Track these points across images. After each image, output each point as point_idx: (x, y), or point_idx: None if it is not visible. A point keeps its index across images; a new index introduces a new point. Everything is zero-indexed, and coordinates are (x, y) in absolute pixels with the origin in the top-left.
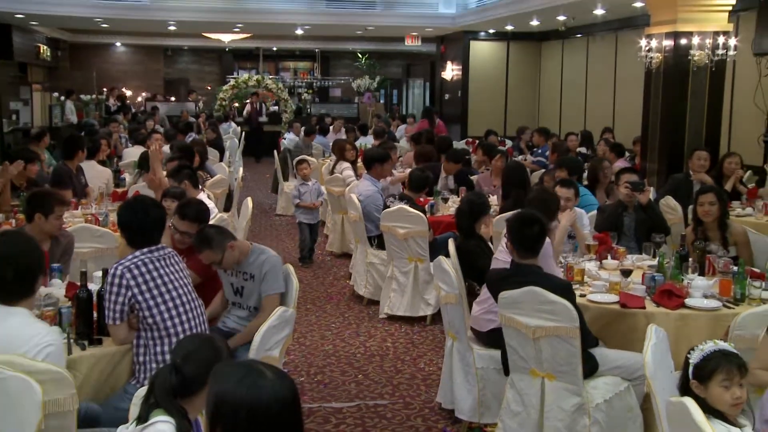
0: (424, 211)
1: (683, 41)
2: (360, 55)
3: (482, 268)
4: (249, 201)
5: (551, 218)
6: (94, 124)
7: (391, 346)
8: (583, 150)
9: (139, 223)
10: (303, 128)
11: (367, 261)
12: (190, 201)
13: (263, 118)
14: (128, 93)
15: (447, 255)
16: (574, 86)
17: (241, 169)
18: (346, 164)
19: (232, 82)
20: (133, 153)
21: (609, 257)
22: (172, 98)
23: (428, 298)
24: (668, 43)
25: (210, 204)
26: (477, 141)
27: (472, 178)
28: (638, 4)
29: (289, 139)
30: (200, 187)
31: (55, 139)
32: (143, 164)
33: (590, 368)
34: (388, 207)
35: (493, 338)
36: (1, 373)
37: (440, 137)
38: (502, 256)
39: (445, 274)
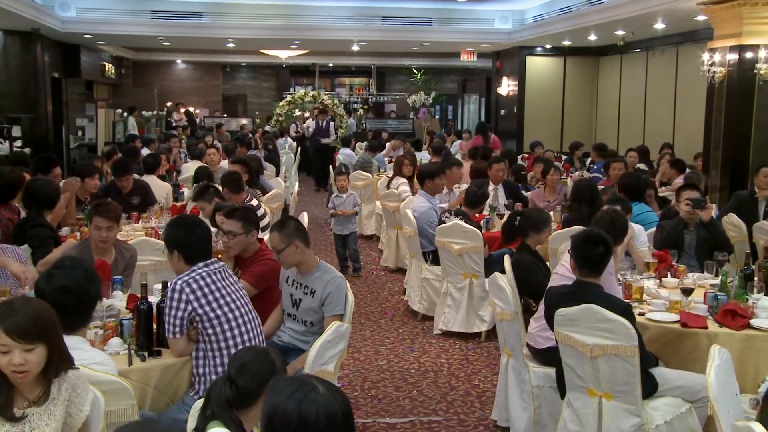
0: (479, 227)
1: (749, 54)
2: (415, 71)
3: (538, 285)
4: (305, 215)
5: (618, 241)
6: (153, 139)
7: (445, 362)
8: (642, 166)
9: (196, 239)
10: (365, 144)
11: (421, 276)
12: (239, 206)
13: (329, 139)
14: (194, 111)
15: (502, 271)
16: (632, 101)
17: (296, 184)
18: (403, 180)
19: (288, 97)
20: (191, 168)
21: (669, 275)
22: (225, 115)
23: (483, 315)
24: (732, 56)
25: (260, 210)
26: (534, 156)
27: (526, 194)
28: (701, 18)
29: (345, 154)
30: (254, 197)
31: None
32: (199, 179)
33: (650, 388)
34: (444, 222)
35: (549, 356)
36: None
37: (505, 152)
38: (562, 271)
39: (500, 291)
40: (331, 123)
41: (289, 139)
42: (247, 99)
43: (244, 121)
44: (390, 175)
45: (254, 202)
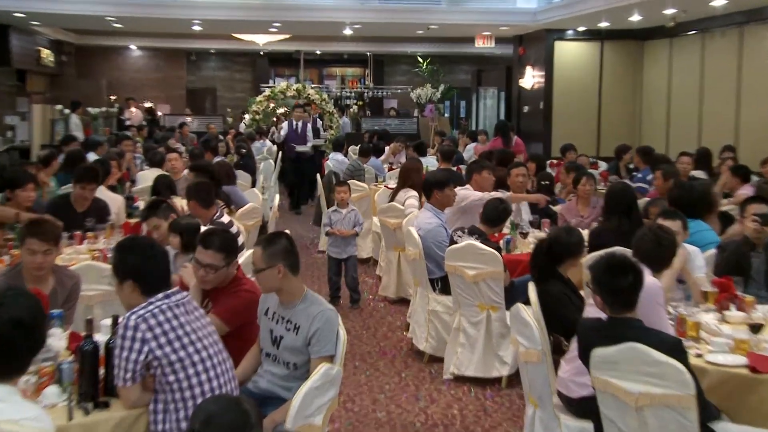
0: (498, 249)
1: None
2: (420, 60)
3: (570, 319)
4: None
5: (664, 265)
6: (100, 141)
7: (458, 414)
8: (699, 173)
9: (154, 265)
10: (358, 147)
11: (428, 308)
12: (215, 229)
13: (306, 147)
14: (149, 104)
15: (526, 302)
16: (685, 95)
17: (277, 197)
18: (413, 193)
19: (267, 92)
20: (148, 177)
21: (733, 308)
22: (189, 113)
23: (504, 355)
24: None
25: (234, 229)
26: (563, 163)
27: (555, 208)
28: None
29: (335, 160)
30: (222, 209)
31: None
32: (159, 190)
33: None
34: (455, 242)
35: (585, 407)
36: None
37: (530, 157)
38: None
39: (524, 326)
40: (317, 123)
41: (268, 142)
42: (217, 93)
43: (215, 120)
44: (390, 186)
45: (225, 219)
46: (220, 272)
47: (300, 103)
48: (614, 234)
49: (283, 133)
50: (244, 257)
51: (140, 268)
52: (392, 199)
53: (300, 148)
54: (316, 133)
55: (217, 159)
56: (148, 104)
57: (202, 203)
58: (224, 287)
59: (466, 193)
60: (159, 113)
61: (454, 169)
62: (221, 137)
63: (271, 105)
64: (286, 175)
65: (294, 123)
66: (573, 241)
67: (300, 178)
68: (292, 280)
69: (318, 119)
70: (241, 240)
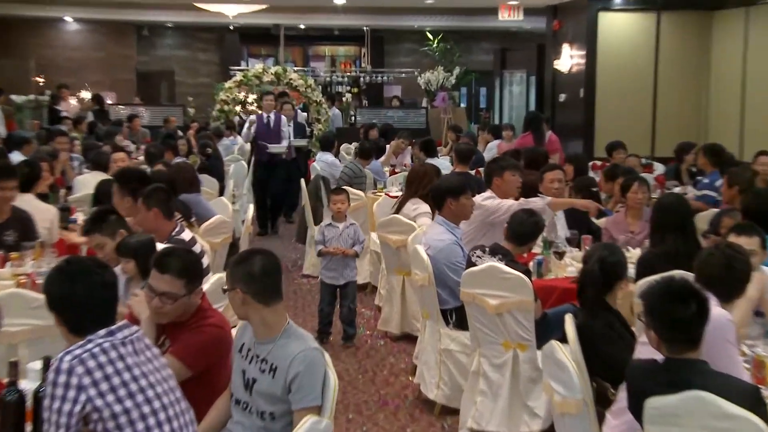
0: (528, 272)
1: None
2: (430, 36)
3: (618, 361)
4: None
5: (736, 293)
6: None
7: None
8: None
9: (87, 296)
10: (355, 147)
11: (440, 347)
12: (174, 248)
13: (281, 146)
14: (84, 94)
15: (563, 339)
16: (765, 80)
17: (251, 208)
18: (424, 207)
19: (238, 76)
20: (89, 182)
21: None
22: (140, 102)
23: (534, 406)
24: None
25: (197, 247)
26: (607, 164)
27: (598, 221)
28: None
29: (324, 162)
30: (181, 223)
31: None
32: (102, 199)
33: None
34: (474, 264)
35: None
36: None
37: (569, 157)
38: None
39: (560, 369)
40: (300, 116)
41: (239, 139)
42: (176, 78)
43: (173, 112)
44: (393, 194)
45: (186, 235)
46: (180, 302)
47: (279, 91)
48: (667, 260)
49: (252, 130)
50: (209, 283)
51: (68, 299)
52: (397, 211)
53: (273, 148)
54: (300, 130)
55: (176, 160)
56: (83, 93)
57: (167, 213)
58: (185, 321)
59: (493, 203)
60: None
61: (473, 172)
62: (181, 133)
63: (242, 94)
64: (255, 185)
65: (264, 116)
66: (616, 260)
67: (275, 188)
68: (261, 311)
69: (301, 111)
70: (205, 262)
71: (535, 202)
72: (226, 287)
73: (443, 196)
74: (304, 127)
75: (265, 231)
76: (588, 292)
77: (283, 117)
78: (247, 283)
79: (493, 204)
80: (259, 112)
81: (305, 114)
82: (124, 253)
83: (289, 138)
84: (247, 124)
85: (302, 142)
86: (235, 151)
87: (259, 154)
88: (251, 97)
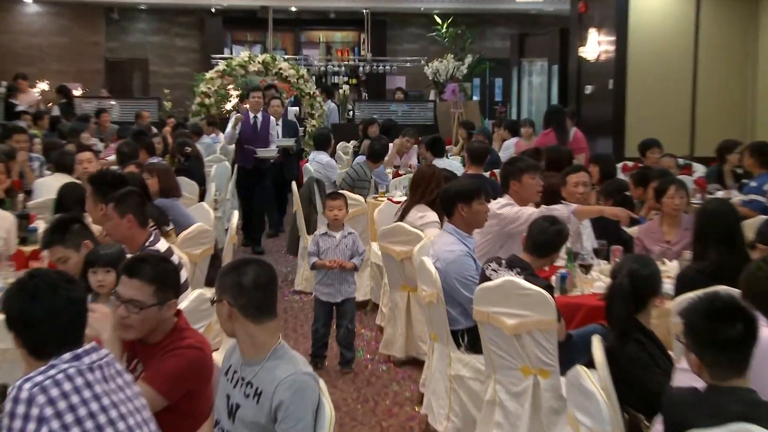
0: (550, 288)
1: None
2: (439, 20)
3: (653, 389)
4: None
5: None
6: None
7: None
8: None
9: (47, 316)
10: (354, 146)
11: (450, 373)
12: (147, 254)
13: (272, 151)
14: (43, 85)
15: (589, 364)
16: None
17: (236, 214)
18: (432, 216)
19: (221, 65)
20: (51, 185)
21: None
22: (109, 95)
23: None
24: None
25: (174, 259)
26: (640, 166)
27: (630, 230)
28: None
29: (318, 163)
30: (155, 232)
31: None
32: (66, 205)
33: None
34: (489, 279)
35: None
36: None
37: (595, 158)
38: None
39: (587, 398)
40: (290, 114)
41: (222, 137)
42: (150, 67)
43: (147, 106)
44: (396, 199)
45: (162, 246)
46: (148, 313)
47: (266, 83)
48: (711, 274)
49: (236, 128)
50: (188, 301)
51: (28, 318)
52: (401, 218)
53: (262, 152)
54: (290, 128)
55: (152, 160)
56: (43, 84)
57: (141, 221)
58: (159, 342)
59: (511, 211)
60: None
61: (487, 174)
62: (155, 130)
63: (221, 83)
64: (242, 194)
65: (251, 116)
66: (649, 273)
67: (262, 198)
68: (248, 328)
69: (292, 106)
70: (183, 275)
71: (559, 210)
72: (212, 298)
73: (453, 201)
74: (295, 125)
75: (257, 246)
76: (617, 310)
77: (272, 118)
78: (235, 295)
79: (510, 212)
80: (244, 107)
81: (296, 108)
82: (106, 263)
83: (277, 140)
84: (231, 122)
85: (288, 142)
86: (218, 150)
87: (244, 160)
88: (233, 93)
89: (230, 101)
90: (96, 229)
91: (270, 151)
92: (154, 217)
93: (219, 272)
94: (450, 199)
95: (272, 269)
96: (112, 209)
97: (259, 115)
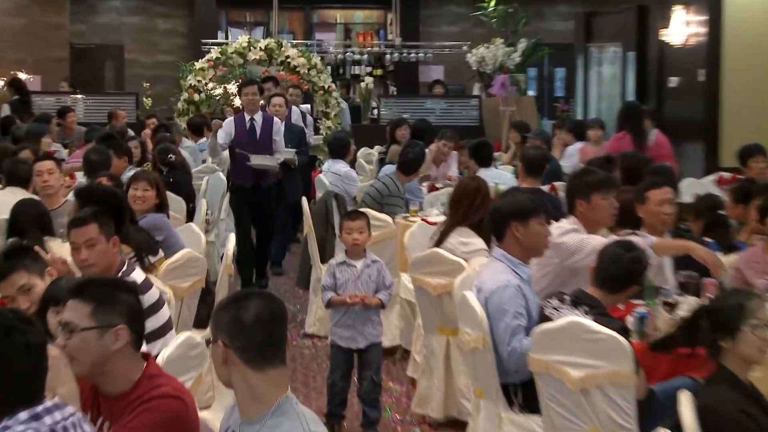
0: (625, 331)
1: None
2: None
3: None
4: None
5: None
6: None
7: None
8: None
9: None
10: (379, 152)
11: None
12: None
13: (271, 162)
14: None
15: (676, 427)
16: None
17: (232, 238)
18: (477, 242)
19: (214, 53)
20: (2, 202)
21: None
22: (76, 90)
23: None
24: None
25: (153, 293)
26: (739, 178)
27: (727, 259)
28: None
29: (334, 173)
30: (131, 260)
31: None
32: (21, 227)
33: None
34: (548, 319)
35: None
36: None
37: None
38: None
39: None
40: (295, 114)
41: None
42: (126, 56)
43: (122, 103)
44: (433, 220)
45: (138, 276)
46: (84, 339)
47: (266, 75)
48: None
49: (227, 138)
50: (173, 346)
51: None
52: (438, 243)
53: (258, 160)
54: (296, 134)
55: (129, 172)
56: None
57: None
58: (126, 394)
59: (575, 240)
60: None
61: (546, 188)
62: (132, 133)
63: (213, 74)
64: (236, 217)
65: (246, 117)
66: (734, 303)
67: (267, 225)
68: (247, 376)
69: (298, 107)
70: (166, 314)
71: (629, 239)
72: (208, 337)
73: (506, 219)
74: (301, 131)
75: (261, 280)
76: (707, 358)
77: (275, 120)
78: (232, 334)
79: (573, 241)
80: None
81: (308, 106)
82: (52, 301)
83: (282, 150)
84: (221, 134)
85: (288, 154)
86: (209, 159)
87: (241, 175)
88: (229, 88)
89: (231, 100)
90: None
91: (268, 159)
92: (137, 244)
93: (215, 306)
94: (501, 218)
95: (281, 305)
96: (97, 231)
97: (258, 117)
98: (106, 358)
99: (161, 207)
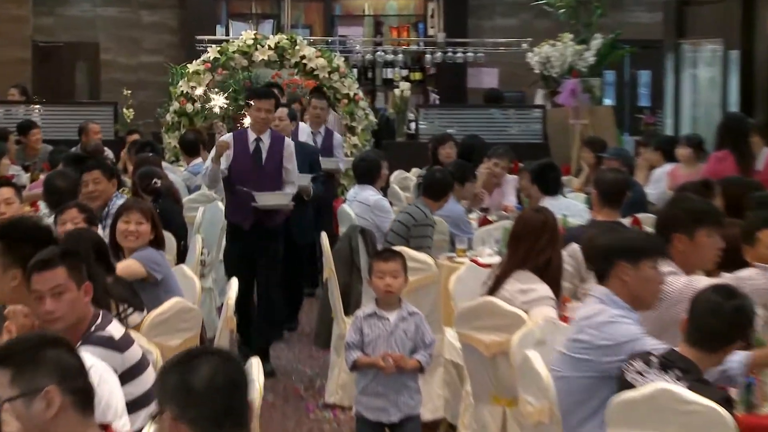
0: (728, 401)
1: None
2: None
3: None
4: (254, 365)
5: None
6: None
7: None
8: None
9: None
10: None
11: None
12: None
13: (282, 198)
14: None
15: None
16: None
17: (234, 284)
18: (542, 286)
19: (211, 52)
20: None
21: None
22: (41, 101)
23: None
24: None
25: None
26: None
27: None
28: None
29: (361, 202)
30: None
31: None
32: None
33: None
34: (631, 386)
35: None
36: None
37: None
38: None
39: None
40: (304, 132)
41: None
42: (101, 56)
43: (97, 116)
44: (481, 260)
45: (115, 330)
46: (11, 411)
47: (269, 81)
48: None
49: (214, 171)
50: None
51: None
52: (493, 290)
53: (265, 199)
54: (308, 161)
55: (117, 200)
56: None
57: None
58: None
59: (678, 284)
60: None
61: (627, 222)
62: (108, 152)
63: (211, 78)
64: (229, 270)
65: (249, 136)
66: None
67: (264, 279)
68: None
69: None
70: (151, 379)
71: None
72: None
73: (612, 258)
74: (314, 152)
75: (249, 346)
76: None
77: (287, 141)
78: (182, 404)
79: (677, 286)
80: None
81: (331, 120)
82: None
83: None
84: (213, 152)
85: (303, 180)
86: (202, 183)
87: (233, 208)
88: (217, 100)
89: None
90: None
91: (278, 197)
92: (118, 298)
93: (159, 369)
94: (607, 255)
95: (239, 365)
96: (65, 276)
97: (265, 137)
98: (44, 429)
99: (157, 244)
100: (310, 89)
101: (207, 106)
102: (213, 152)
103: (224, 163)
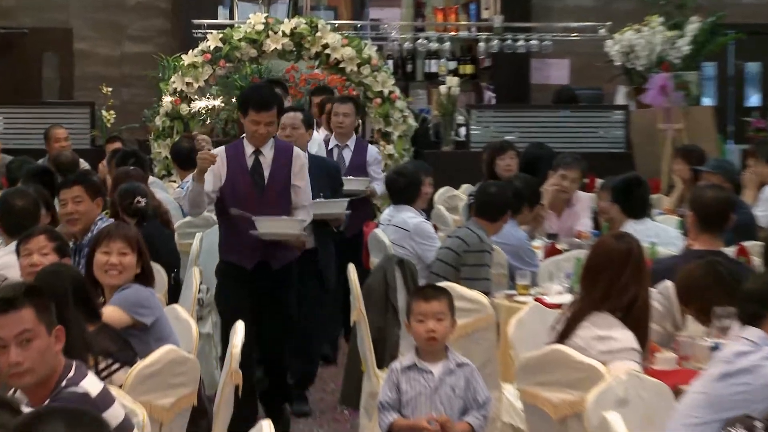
0: None
1: None
2: None
3: None
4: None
5: None
6: None
7: None
8: None
9: None
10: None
11: None
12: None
13: (294, 228)
14: None
15: None
16: None
17: (240, 328)
18: (626, 333)
19: (211, 40)
20: None
21: None
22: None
23: None
24: None
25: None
26: None
27: None
28: None
29: (398, 228)
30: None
31: None
32: None
33: None
34: None
35: None
36: None
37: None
38: None
39: None
40: (331, 143)
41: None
42: (74, 46)
43: (70, 118)
44: (548, 299)
45: (91, 385)
46: None
47: (276, 77)
48: None
49: (210, 181)
50: None
51: None
52: (563, 337)
53: (268, 228)
54: (329, 179)
55: (101, 222)
56: None
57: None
58: None
59: None
60: None
61: (731, 252)
62: (84, 164)
63: (211, 71)
64: (226, 321)
65: (246, 148)
66: None
67: (271, 332)
68: None
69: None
70: None
71: None
72: None
73: (765, 302)
74: (334, 168)
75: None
76: None
77: (296, 151)
78: None
79: None
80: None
81: (359, 128)
82: None
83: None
84: (208, 178)
85: (335, 207)
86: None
87: (231, 243)
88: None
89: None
90: None
91: (285, 224)
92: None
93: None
94: (760, 299)
95: (93, 427)
96: (33, 320)
97: (267, 150)
98: None
99: (145, 279)
100: (332, 88)
101: (198, 107)
102: (196, 172)
103: (210, 183)
